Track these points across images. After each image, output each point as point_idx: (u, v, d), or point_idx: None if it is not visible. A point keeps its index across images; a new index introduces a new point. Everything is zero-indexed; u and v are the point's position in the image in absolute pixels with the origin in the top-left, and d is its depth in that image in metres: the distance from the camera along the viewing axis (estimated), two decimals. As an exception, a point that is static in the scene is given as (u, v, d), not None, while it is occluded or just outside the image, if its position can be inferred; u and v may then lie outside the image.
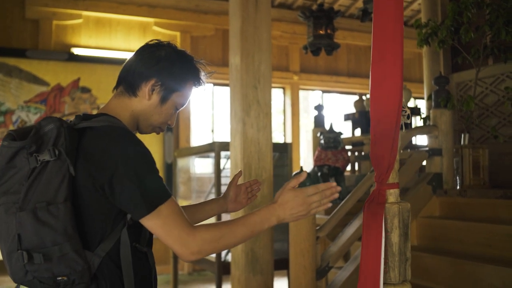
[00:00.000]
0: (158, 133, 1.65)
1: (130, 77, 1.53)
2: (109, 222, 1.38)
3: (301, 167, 3.45)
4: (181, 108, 1.63)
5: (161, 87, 1.53)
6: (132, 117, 1.54)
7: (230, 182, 1.87)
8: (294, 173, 3.43)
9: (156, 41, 1.58)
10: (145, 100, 1.53)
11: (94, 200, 1.35)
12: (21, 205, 1.29)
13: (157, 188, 1.37)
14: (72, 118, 1.47)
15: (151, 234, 1.50)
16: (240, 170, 1.84)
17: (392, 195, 1.66)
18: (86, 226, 1.36)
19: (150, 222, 1.36)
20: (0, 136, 6.27)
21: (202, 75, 1.62)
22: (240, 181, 2.14)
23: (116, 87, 1.58)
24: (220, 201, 1.86)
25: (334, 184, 1.50)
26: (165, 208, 1.36)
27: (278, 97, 8.48)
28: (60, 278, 1.31)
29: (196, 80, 1.60)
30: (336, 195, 1.50)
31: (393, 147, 1.59)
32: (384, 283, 1.60)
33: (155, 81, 1.52)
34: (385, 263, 1.62)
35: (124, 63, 1.58)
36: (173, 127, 1.78)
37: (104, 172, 1.33)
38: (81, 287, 1.35)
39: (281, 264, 4.48)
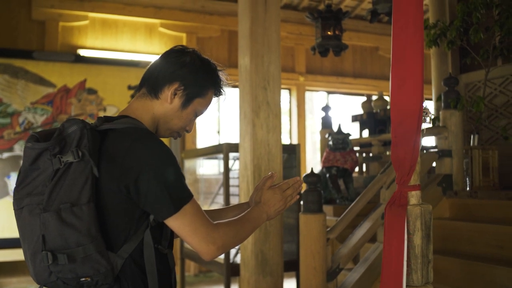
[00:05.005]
0: (175, 138, 1.66)
1: (153, 79, 1.55)
2: (132, 224, 1.38)
3: (312, 169, 3.44)
4: (200, 115, 1.64)
5: (183, 91, 1.55)
6: (152, 120, 1.55)
7: (258, 186, 1.69)
8: (304, 175, 3.42)
9: (181, 47, 1.60)
10: (167, 103, 1.54)
11: (118, 201, 1.35)
12: (45, 206, 1.29)
13: (181, 187, 1.39)
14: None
15: (171, 236, 1.50)
16: (271, 173, 1.68)
17: (414, 197, 1.66)
18: (109, 228, 1.36)
19: (177, 221, 1.37)
20: (7, 137, 6.27)
21: (223, 85, 1.64)
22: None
23: (138, 89, 1.59)
24: (244, 207, 1.76)
25: (299, 178, 1.68)
26: (190, 207, 1.38)
27: (284, 98, 8.47)
28: (83, 279, 1.31)
29: (217, 89, 1.63)
30: (301, 187, 1.68)
31: (415, 149, 1.59)
32: (406, 286, 1.60)
33: (179, 85, 1.53)
34: (408, 265, 1.62)
35: (149, 66, 1.59)
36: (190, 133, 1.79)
37: (129, 173, 1.34)
38: (104, 288, 1.36)
39: (290, 266, 4.46)
